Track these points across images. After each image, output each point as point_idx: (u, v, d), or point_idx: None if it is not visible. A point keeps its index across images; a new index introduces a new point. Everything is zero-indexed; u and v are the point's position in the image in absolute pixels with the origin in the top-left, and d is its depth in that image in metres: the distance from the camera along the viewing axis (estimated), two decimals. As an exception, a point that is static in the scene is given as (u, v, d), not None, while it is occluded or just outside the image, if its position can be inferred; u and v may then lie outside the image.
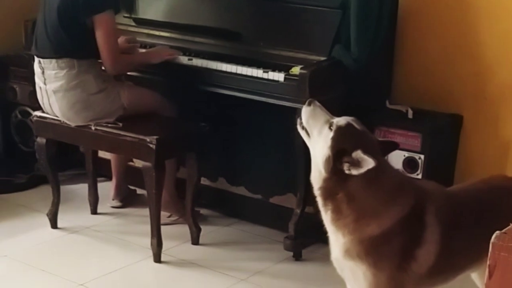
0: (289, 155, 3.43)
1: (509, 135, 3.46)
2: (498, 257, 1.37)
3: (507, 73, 3.41)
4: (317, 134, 2.17)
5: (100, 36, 3.26)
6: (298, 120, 2.25)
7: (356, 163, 2.09)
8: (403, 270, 2.20)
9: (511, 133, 3.45)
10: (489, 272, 1.38)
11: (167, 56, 3.48)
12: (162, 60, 3.47)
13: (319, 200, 2.21)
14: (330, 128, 2.15)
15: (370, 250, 2.17)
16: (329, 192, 2.16)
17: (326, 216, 2.21)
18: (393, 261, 2.19)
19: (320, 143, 2.15)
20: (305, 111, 2.23)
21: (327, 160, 2.12)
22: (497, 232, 1.39)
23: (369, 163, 2.07)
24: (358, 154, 2.09)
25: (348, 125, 2.16)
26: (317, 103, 2.23)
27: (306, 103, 2.23)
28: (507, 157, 3.47)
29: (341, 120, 2.17)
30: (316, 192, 2.21)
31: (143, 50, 3.62)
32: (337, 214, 2.17)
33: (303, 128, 2.23)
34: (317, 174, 2.18)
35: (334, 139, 2.12)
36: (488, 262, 1.38)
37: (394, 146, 2.33)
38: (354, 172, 2.09)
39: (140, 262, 3.35)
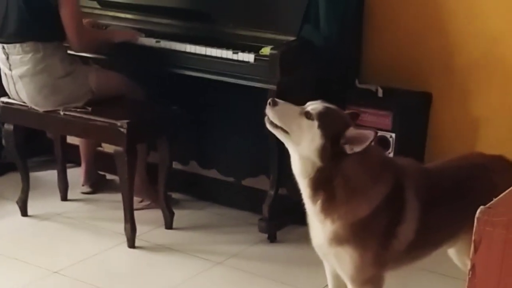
0: (260, 137, 3.39)
1: (478, 112, 3.49)
2: (483, 231, 1.37)
3: (474, 48, 3.44)
4: (298, 129, 2.11)
5: (65, 14, 3.22)
6: (267, 121, 2.17)
7: (356, 140, 2.07)
8: (385, 248, 2.21)
9: (480, 109, 3.49)
10: (475, 247, 1.38)
11: (129, 37, 3.46)
12: (126, 39, 3.45)
13: (308, 192, 2.16)
14: (308, 118, 2.11)
15: (359, 232, 2.16)
16: (323, 181, 2.13)
17: (315, 207, 2.17)
18: (378, 239, 2.19)
19: (306, 136, 2.10)
20: (275, 111, 2.15)
21: (324, 149, 2.08)
22: (482, 207, 1.38)
23: (369, 135, 2.07)
24: (353, 131, 2.09)
25: (326, 108, 2.14)
26: (280, 100, 2.18)
27: (270, 103, 2.16)
28: (476, 133, 3.50)
29: (315, 107, 2.14)
30: (306, 184, 2.15)
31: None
32: (330, 201, 2.14)
33: (276, 127, 2.16)
34: (308, 167, 2.13)
35: (322, 127, 2.09)
36: (473, 237, 1.38)
37: (357, 116, 2.32)
38: (357, 149, 2.07)
39: (114, 248, 3.31)
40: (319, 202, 2.16)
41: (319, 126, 2.09)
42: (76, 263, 3.17)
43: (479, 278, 1.37)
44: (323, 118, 2.10)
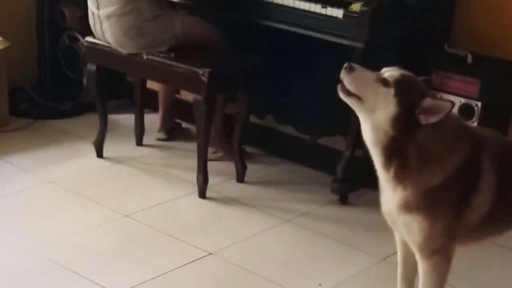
0: (338, 96, 3.34)
1: None
2: None
3: None
4: (373, 96, 2.06)
5: None
6: (340, 88, 2.11)
7: (432, 111, 2.03)
8: (458, 219, 2.16)
9: None
10: None
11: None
12: None
13: (381, 160, 2.12)
14: (384, 85, 2.05)
15: (430, 200, 2.12)
16: (396, 149, 2.08)
17: (388, 174, 2.13)
18: (450, 209, 2.14)
19: (381, 103, 2.05)
20: (352, 77, 2.09)
21: (398, 118, 2.04)
22: None
23: (446, 106, 2.02)
24: (429, 101, 2.04)
25: (404, 76, 2.08)
26: (357, 65, 2.12)
27: (347, 68, 2.09)
28: None
29: (393, 74, 2.08)
30: (378, 152, 2.11)
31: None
32: (403, 168, 2.10)
33: (350, 94, 2.10)
34: (381, 135, 2.08)
35: (398, 95, 2.04)
36: None
37: (429, 82, 2.29)
38: (432, 120, 2.03)
39: (185, 197, 3.33)
40: (392, 169, 2.12)
41: (396, 94, 2.04)
42: (147, 208, 3.20)
43: None
44: (399, 86, 2.05)
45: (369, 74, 2.11)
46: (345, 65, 2.11)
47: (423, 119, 2.04)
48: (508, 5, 3.43)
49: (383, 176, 2.17)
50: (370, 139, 2.13)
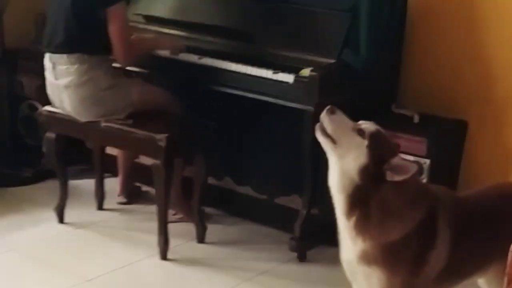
0: (295, 156, 3.44)
1: (514, 142, 3.49)
2: (516, 265, 1.40)
3: (512, 79, 3.44)
4: (347, 142, 2.15)
5: (113, 30, 3.27)
6: (319, 127, 2.21)
7: (399, 170, 2.11)
8: (416, 274, 2.22)
9: (516, 140, 3.48)
10: (508, 280, 1.40)
11: (174, 44, 3.53)
12: (170, 47, 3.52)
13: (343, 207, 2.19)
14: (360, 135, 2.15)
15: (388, 255, 2.18)
16: (360, 199, 2.16)
17: (348, 223, 2.20)
18: (408, 265, 2.21)
19: (352, 151, 2.14)
20: (331, 119, 2.18)
21: (365, 168, 2.12)
22: (516, 241, 1.41)
23: (411, 168, 2.11)
24: (398, 161, 2.13)
25: (378, 131, 2.18)
26: (339, 110, 2.22)
27: (328, 110, 2.19)
28: (511, 163, 3.49)
29: (369, 127, 2.17)
30: (342, 199, 2.19)
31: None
32: (364, 219, 2.17)
33: (326, 135, 2.19)
34: (347, 182, 2.16)
35: (371, 147, 2.12)
36: (507, 270, 1.41)
37: (398, 147, 2.33)
38: (397, 178, 2.11)
39: (146, 259, 3.37)
40: (353, 218, 2.18)
41: (368, 146, 2.12)
42: (109, 272, 3.23)
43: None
44: (373, 139, 2.14)
45: (347, 121, 2.20)
46: (328, 107, 2.20)
47: (389, 176, 2.11)
48: (452, 65, 3.57)
49: (344, 225, 2.22)
50: (336, 184, 2.19)
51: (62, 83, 3.37)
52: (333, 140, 2.19)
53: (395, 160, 2.13)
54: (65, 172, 3.65)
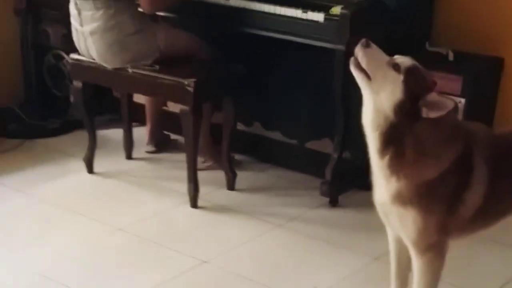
0: (324, 99, 3.38)
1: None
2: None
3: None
4: (382, 77, 2.08)
5: None
6: (353, 61, 2.13)
7: (435, 106, 2.05)
8: (451, 214, 2.17)
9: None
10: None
11: None
12: None
13: (377, 145, 2.13)
14: (396, 70, 2.07)
15: (423, 194, 2.13)
16: (394, 136, 2.09)
17: (382, 161, 2.14)
18: (444, 204, 2.16)
19: (387, 86, 2.07)
20: (365, 53, 2.11)
21: (401, 105, 2.06)
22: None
23: (448, 105, 2.04)
24: (434, 96, 2.06)
25: (415, 66, 2.10)
26: (374, 44, 2.13)
27: (363, 43, 2.11)
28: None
29: (405, 61, 2.10)
30: (376, 137, 2.12)
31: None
32: (398, 158, 2.11)
33: (361, 69, 2.11)
34: (381, 119, 2.09)
35: (406, 82, 2.06)
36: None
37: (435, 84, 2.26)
38: (433, 115, 2.05)
39: (177, 207, 3.35)
40: (387, 157, 2.13)
41: (404, 81, 2.06)
42: (139, 220, 3.22)
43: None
44: (409, 74, 2.07)
45: (382, 55, 2.13)
46: (362, 40, 2.13)
47: (425, 112, 2.05)
48: (486, 3, 3.46)
49: (377, 164, 2.17)
50: (370, 121, 2.14)
51: (88, 29, 3.32)
52: (367, 75, 2.11)
53: (431, 96, 2.06)
54: (93, 121, 3.62)
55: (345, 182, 3.40)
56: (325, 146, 3.52)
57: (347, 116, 3.19)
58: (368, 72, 2.11)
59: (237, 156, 3.76)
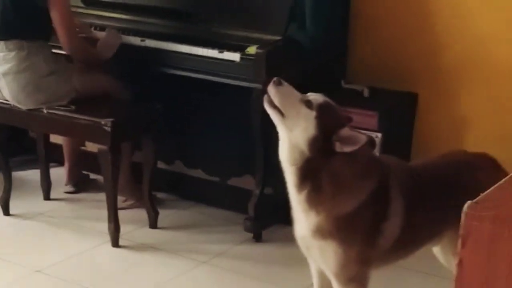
0: (245, 136, 3.41)
1: (463, 111, 3.50)
2: (470, 226, 1.37)
3: (460, 48, 3.44)
4: (295, 114, 2.11)
5: (55, 15, 3.21)
6: (266, 99, 2.16)
7: (348, 141, 2.08)
8: (371, 245, 2.21)
9: (466, 109, 3.49)
10: (462, 241, 1.38)
11: (115, 48, 3.42)
12: (114, 52, 3.41)
13: (295, 180, 2.16)
14: (308, 107, 2.11)
15: (343, 227, 2.16)
16: (311, 171, 2.12)
17: (301, 196, 2.16)
18: (363, 236, 2.19)
19: (301, 123, 2.10)
20: (277, 91, 2.14)
21: (315, 140, 2.09)
22: (469, 201, 1.38)
23: (361, 139, 2.08)
24: (347, 132, 2.10)
25: (327, 102, 2.15)
26: (286, 82, 2.18)
27: (276, 82, 2.15)
28: (462, 133, 3.50)
29: (318, 98, 2.14)
30: (293, 172, 2.15)
31: (97, 32, 3.56)
32: (316, 192, 2.14)
33: (274, 107, 2.15)
34: (297, 155, 2.12)
35: (319, 118, 2.09)
36: (460, 232, 1.38)
37: (350, 120, 2.30)
38: (346, 149, 2.08)
39: (97, 247, 3.29)
40: (304, 191, 2.15)
41: (316, 117, 2.09)
42: (59, 262, 3.15)
43: (467, 272, 1.37)
44: (321, 111, 2.11)
45: (295, 93, 2.16)
46: (274, 78, 2.16)
47: (338, 147, 2.09)
48: (399, 37, 3.57)
49: (296, 199, 2.19)
50: (286, 157, 2.16)
51: (1, 70, 3.27)
52: (281, 112, 2.15)
53: (344, 131, 2.10)
54: (8, 162, 3.55)
55: (268, 218, 3.42)
56: (247, 182, 3.54)
57: (267, 152, 3.22)
58: (282, 109, 2.14)
59: (159, 194, 3.74)
